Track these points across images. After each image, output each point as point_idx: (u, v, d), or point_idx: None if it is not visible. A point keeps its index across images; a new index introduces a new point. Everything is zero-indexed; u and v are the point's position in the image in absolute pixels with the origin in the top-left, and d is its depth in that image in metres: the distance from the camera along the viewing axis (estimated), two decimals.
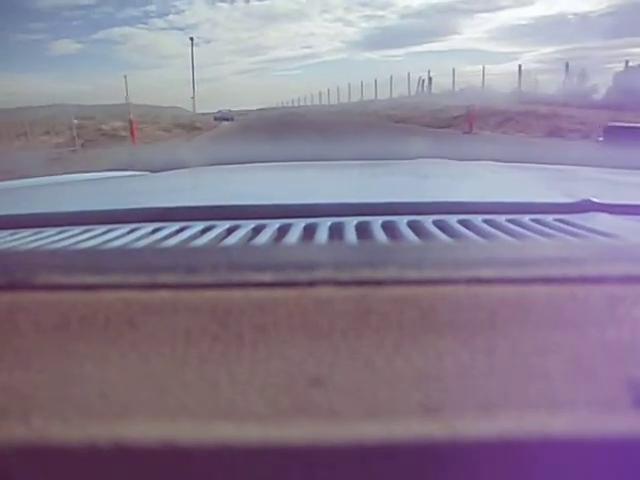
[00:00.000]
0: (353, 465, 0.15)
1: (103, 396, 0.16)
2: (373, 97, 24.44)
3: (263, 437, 0.15)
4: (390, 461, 0.15)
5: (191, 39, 28.33)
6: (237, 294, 0.20)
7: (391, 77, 22.39)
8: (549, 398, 0.16)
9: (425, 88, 21.80)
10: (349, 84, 27.16)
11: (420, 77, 21.80)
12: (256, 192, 0.73)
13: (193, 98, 24.67)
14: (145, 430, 0.15)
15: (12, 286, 0.20)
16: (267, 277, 0.20)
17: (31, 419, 0.16)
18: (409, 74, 21.65)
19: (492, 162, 1.20)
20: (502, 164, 1.15)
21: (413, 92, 21.87)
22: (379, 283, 0.20)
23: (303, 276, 0.20)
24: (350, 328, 0.19)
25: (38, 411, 0.16)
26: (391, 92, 21.81)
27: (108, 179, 1.05)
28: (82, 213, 0.51)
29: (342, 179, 0.90)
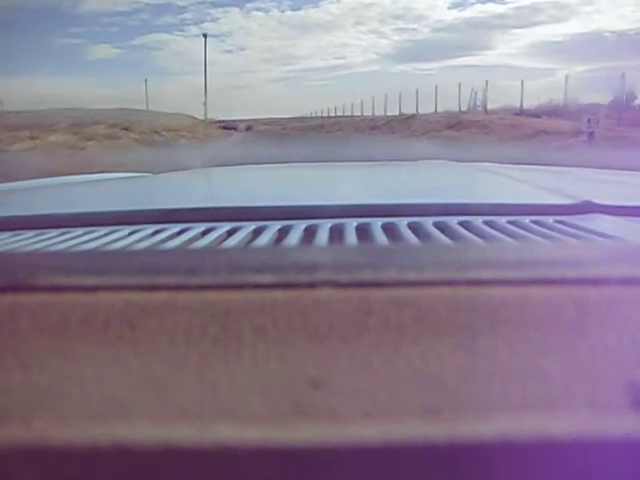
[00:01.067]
0: (352, 467, 0.15)
1: (103, 397, 0.16)
2: (414, 111, 20.68)
3: (262, 438, 0.15)
4: (389, 463, 0.15)
5: (204, 35, 25.90)
6: (237, 296, 0.20)
7: (436, 88, 18.93)
8: (549, 400, 0.16)
9: (479, 102, 18.03)
10: (386, 95, 23.29)
11: (472, 90, 18.32)
12: (257, 193, 0.73)
13: (205, 104, 22.38)
14: (145, 432, 0.15)
15: (13, 287, 0.20)
16: (267, 279, 0.20)
17: (31, 421, 0.16)
18: (460, 86, 18.36)
19: (492, 164, 1.20)
20: (502, 165, 1.15)
21: (464, 106, 18.25)
22: (379, 285, 0.20)
23: (303, 278, 0.20)
24: (350, 330, 0.19)
25: (38, 413, 0.16)
26: (436, 106, 18.56)
27: (109, 180, 1.05)
28: (83, 215, 0.51)
29: (343, 180, 0.90)
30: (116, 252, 0.35)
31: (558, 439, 0.15)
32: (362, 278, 0.20)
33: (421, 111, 19.72)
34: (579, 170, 1.12)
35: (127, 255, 0.28)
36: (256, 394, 0.16)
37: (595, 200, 0.51)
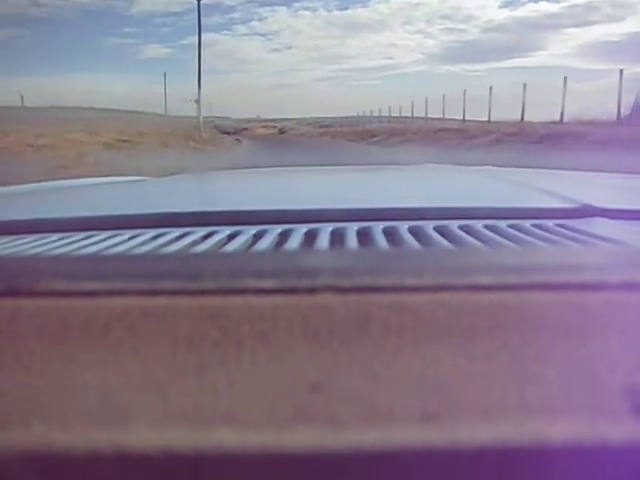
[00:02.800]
0: (352, 471, 0.15)
1: (103, 402, 0.16)
2: (466, 115, 16.61)
3: (263, 443, 0.15)
4: (389, 467, 0.15)
5: (198, 1, 18.59)
6: (238, 300, 0.20)
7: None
8: (548, 405, 0.16)
9: None
10: (443, 95, 19.29)
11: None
12: (257, 198, 0.73)
13: (197, 102, 18.02)
14: (145, 436, 0.15)
15: (13, 292, 0.20)
16: (268, 283, 0.20)
17: (32, 425, 0.16)
18: (525, 87, 13.19)
19: (493, 167, 1.20)
20: (503, 169, 1.15)
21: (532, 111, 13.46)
22: (379, 290, 0.20)
23: (304, 282, 0.20)
24: (350, 335, 0.19)
25: (38, 417, 0.16)
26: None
27: (109, 184, 1.05)
28: (83, 219, 0.51)
29: (343, 184, 0.91)
30: (116, 256, 0.35)
31: (557, 444, 0.15)
32: (363, 283, 0.20)
33: (469, 116, 16.48)
34: (579, 173, 1.12)
35: (127, 260, 0.28)
36: (256, 399, 0.16)
37: (596, 204, 0.51)
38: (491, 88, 15.25)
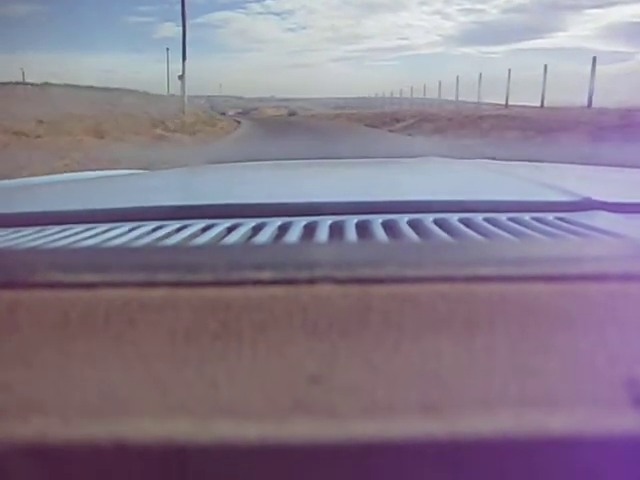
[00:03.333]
0: (352, 463, 0.15)
1: (103, 394, 0.16)
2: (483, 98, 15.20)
3: (262, 435, 0.15)
4: (388, 459, 0.15)
5: None
6: (237, 292, 0.20)
7: (509, 72, 13.18)
8: (548, 396, 0.16)
9: None
10: (457, 77, 17.86)
11: None
12: (257, 190, 0.73)
13: (182, 77, 15.15)
14: (145, 428, 0.15)
15: (12, 284, 0.20)
16: (267, 275, 0.20)
17: (30, 418, 0.16)
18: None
19: (492, 160, 1.20)
20: (502, 162, 1.15)
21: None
22: (379, 281, 0.20)
23: (303, 274, 0.20)
24: (349, 326, 0.19)
25: (37, 409, 0.16)
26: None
27: (108, 177, 1.05)
28: (83, 211, 0.51)
29: (342, 177, 0.90)
30: (116, 249, 0.35)
31: (558, 436, 0.15)
32: (362, 274, 0.20)
33: (486, 99, 14.79)
34: (580, 167, 1.11)
35: (127, 252, 0.28)
36: (256, 390, 0.16)
37: (596, 197, 0.51)
38: (546, 67, 12.72)
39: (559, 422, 0.15)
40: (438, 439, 0.15)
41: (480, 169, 1.00)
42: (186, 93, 15.28)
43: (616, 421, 0.15)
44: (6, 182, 0.95)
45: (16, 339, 0.18)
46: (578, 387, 0.16)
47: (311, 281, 0.20)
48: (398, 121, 13.40)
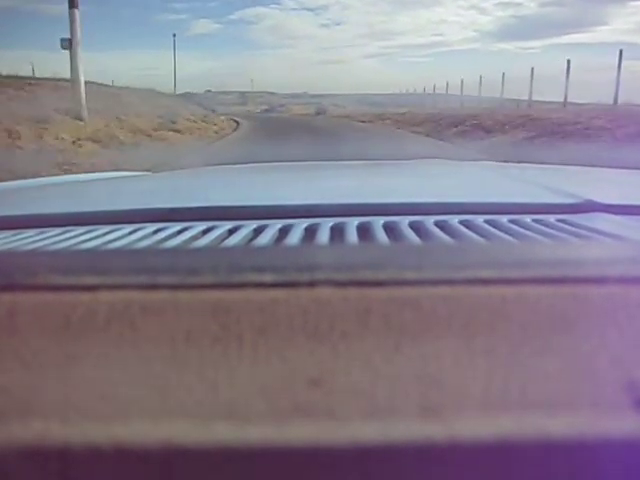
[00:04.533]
0: (352, 466, 0.15)
1: (103, 397, 0.16)
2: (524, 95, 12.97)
3: (262, 438, 0.15)
4: (389, 462, 0.15)
5: None
6: (237, 295, 0.20)
7: (568, 63, 11.33)
8: (549, 399, 0.16)
9: None
10: (503, 74, 15.87)
11: None
12: (257, 193, 0.73)
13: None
14: (145, 431, 0.15)
15: (13, 287, 0.20)
16: (268, 278, 0.20)
17: (31, 420, 0.16)
18: None
19: (493, 162, 1.20)
20: (503, 164, 1.15)
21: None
22: (380, 284, 0.20)
23: (304, 277, 0.20)
24: (350, 329, 0.19)
25: (38, 412, 0.16)
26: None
27: (110, 180, 1.05)
28: (84, 213, 0.51)
29: (343, 179, 0.90)
30: (117, 251, 0.35)
31: (558, 438, 0.15)
32: (363, 277, 0.20)
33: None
34: (581, 169, 1.11)
35: (128, 254, 0.28)
36: (256, 393, 0.16)
37: (597, 199, 0.51)
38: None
39: (559, 425, 0.15)
40: (438, 442, 0.15)
41: (481, 171, 1.00)
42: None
43: (617, 424, 0.15)
44: (6, 184, 0.95)
45: (16, 342, 0.18)
46: (578, 390, 0.16)
47: (312, 284, 0.20)
48: (455, 125, 10.21)
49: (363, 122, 15.77)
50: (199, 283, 0.20)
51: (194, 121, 13.09)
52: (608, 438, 0.15)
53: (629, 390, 0.16)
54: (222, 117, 17.49)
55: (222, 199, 0.59)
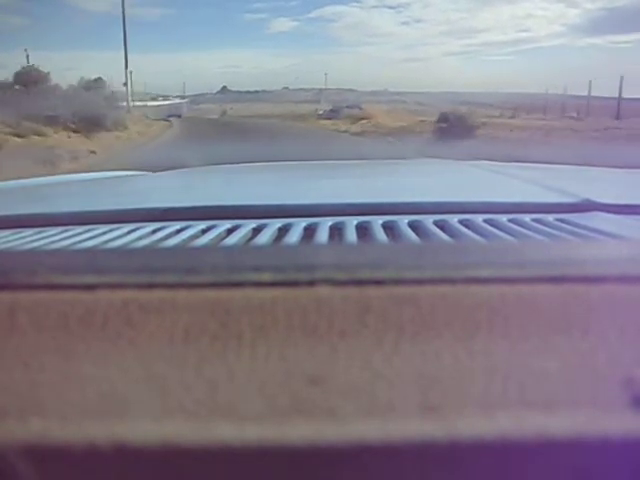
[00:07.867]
0: (351, 464, 0.15)
1: (102, 396, 0.16)
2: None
3: (262, 436, 0.15)
4: (388, 460, 0.15)
5: None
6: (237, 294, 0.20)
7: None
8: (548, 398, 0.16)
9: None
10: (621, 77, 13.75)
11: None
12: (257, 192, 0.73)
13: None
14: (144, 430, 0.15)
15: (12, 286, 0.20)
16: (267, 277, 0.20)
17: (30, 419, 0.16)
18: None
19: (492, 162, 1.20)
20: (502, 164, 1.15)
21: None
22: (378, 283, 0.20)
23: (303, 276, 0.20)
24: (349, 328, 0.19)
25: (37, 411, 0.16)
26: None
27: (109, 179, 1.05)
28: (83, 213, 0.51)
29: (343, 179, 0.90)
30: (115, 250, 0.35)
31: (557, 437, 0.15)
32: (362, 276, 0.20)
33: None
34: (580, 168, 1.11)
35: (126, 253, 0.28)
36: (255, 391, 0.16)
37: (596, 198, 0.51)
38: None
39: (559, 423, 0.15)
40: (437, 440, 0.15)
41: (480, 170, 1.00)
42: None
43: (616, 422, 0.15)
44: (6, 183, 0.95)
45: (16, 340, 0.18)
46: (578, 388, 0.16)
47: (311, 283, 0.20)
48: None
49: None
50: (198, 282, 0.20)
51: None
52: (607, 436, 0.15)
53: (628, 388, 0.16)
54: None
55: (221, 198, 0.59)
